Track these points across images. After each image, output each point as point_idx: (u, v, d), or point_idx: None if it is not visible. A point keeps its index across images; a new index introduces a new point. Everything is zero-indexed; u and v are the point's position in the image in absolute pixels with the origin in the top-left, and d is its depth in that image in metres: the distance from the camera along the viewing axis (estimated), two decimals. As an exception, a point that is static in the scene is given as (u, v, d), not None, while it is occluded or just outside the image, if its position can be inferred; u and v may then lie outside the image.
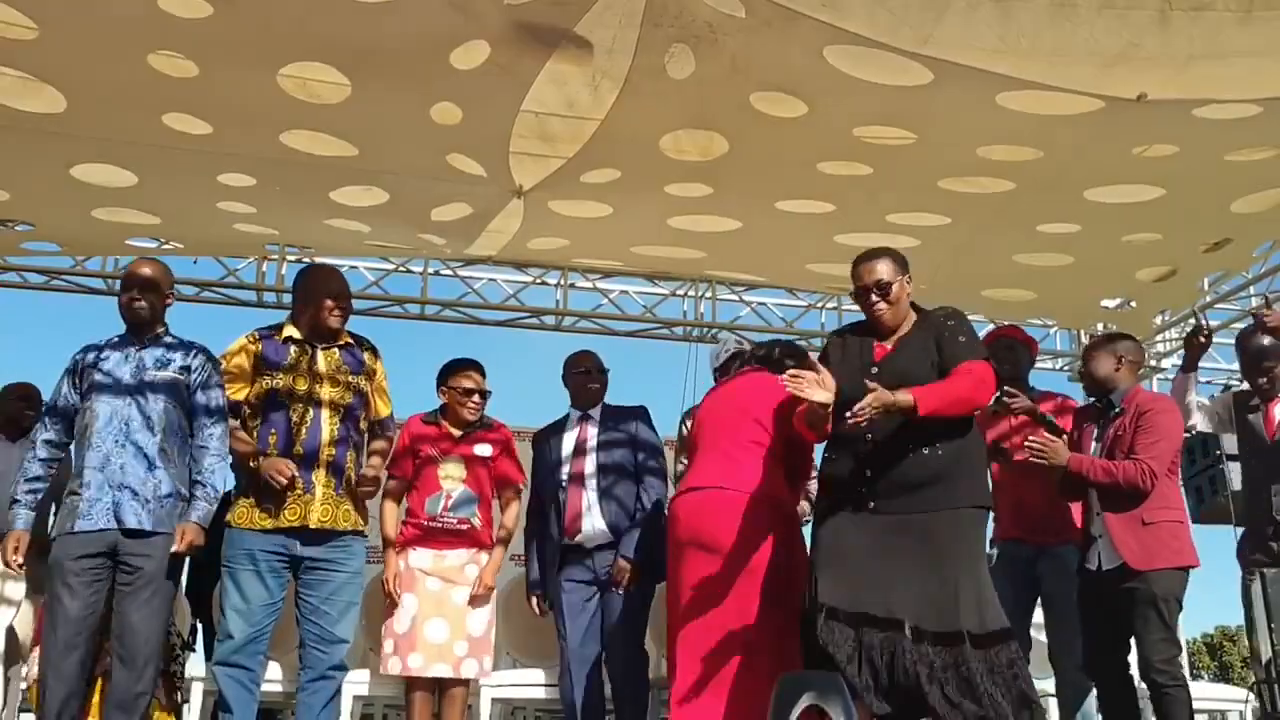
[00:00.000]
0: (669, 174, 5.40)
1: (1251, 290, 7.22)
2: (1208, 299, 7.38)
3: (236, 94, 4.69)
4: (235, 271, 7.41)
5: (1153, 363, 8.14)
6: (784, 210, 5.70)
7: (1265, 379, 4.88)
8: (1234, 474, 6.02)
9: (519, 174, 5.49)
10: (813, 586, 3.38)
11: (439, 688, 4.48)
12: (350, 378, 4.33)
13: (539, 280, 7.84)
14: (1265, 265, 6.90)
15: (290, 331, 4.34)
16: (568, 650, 4.62)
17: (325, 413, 4.23)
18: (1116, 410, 4.33)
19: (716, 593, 3.76)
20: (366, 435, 4.47)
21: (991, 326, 6.44)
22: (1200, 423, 5.04)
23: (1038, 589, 4.72)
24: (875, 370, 3.46)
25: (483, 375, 4.71)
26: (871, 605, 3.29)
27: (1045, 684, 4.91)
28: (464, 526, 4.55)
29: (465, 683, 4.52)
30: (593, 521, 4.66)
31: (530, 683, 4.88)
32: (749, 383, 4.15)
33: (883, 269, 3.57)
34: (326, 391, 4.25)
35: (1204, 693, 5.63)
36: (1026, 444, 4.20)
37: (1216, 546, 5.50)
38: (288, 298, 6.95)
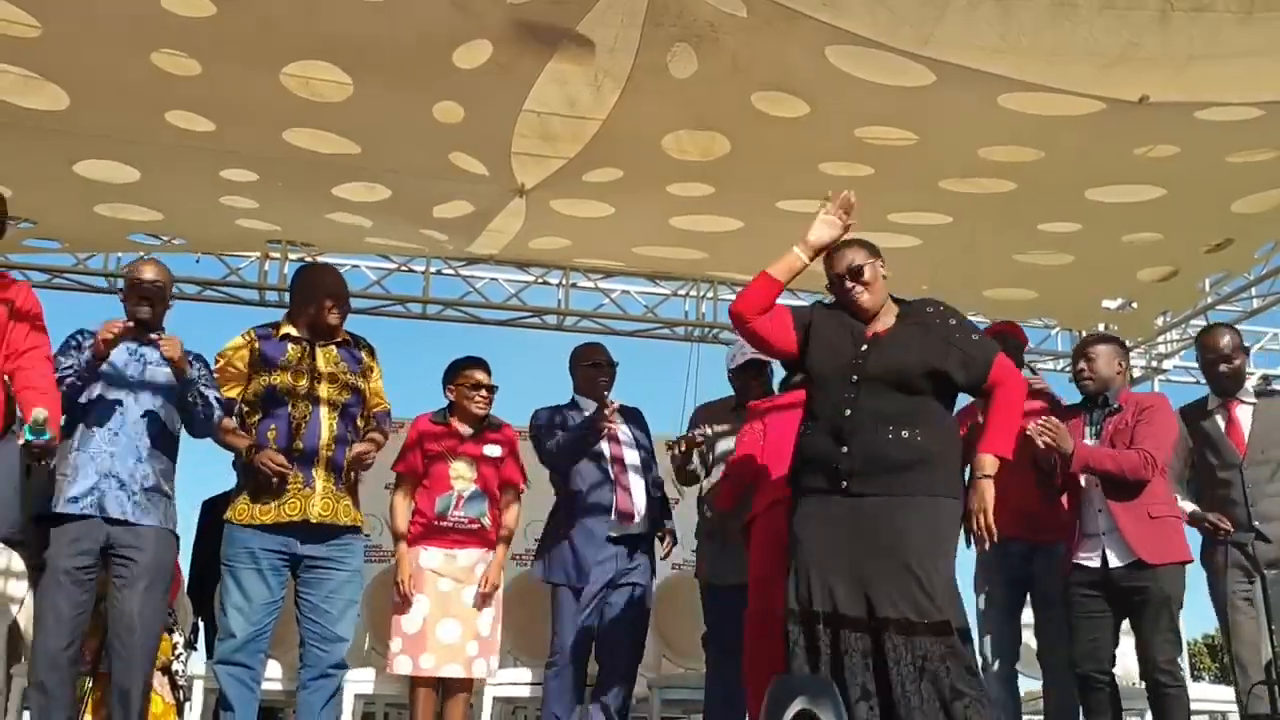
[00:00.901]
0: (671, 174, 5.41)
1: (1253, 291, 7.23)
2: (1209, 300, 7.38)
3: (239, 92, 4.70)
4: (237, 270, 7.41)
5: (1154, 364, 8.15)
6: (785, 210, 5.71)
7: (1226, 366, 4.63)
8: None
9: (521, 173, 5.50)
10: (794, 587, 3.33)
11: (442, 687, 4.49)
12: (349, 376, 4.34)
13: (540, 280, 7.84)
14: (1266, 266, 6.90)
15: (288, 329, 4.35)
16: (567, 643, 4.62)
17: (324, 410, 4.23)
18: (1115, 408, 4.33)
19: None
20: (363, 432, 4.47)
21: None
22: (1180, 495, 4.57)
23: (1028, 587, 4.70)
24: (865, 350, 3.43)
25: (488, 373, 4.73)
26: (848, 605, 3.23)
27: (1034, 684, 4.92)
28: (475, 526, 4.56)
29: (470, 682, 4.53)
30: (640, 512, 4.73)
31: (531, 682, 4.89)
32: None
33: (855, 255, 3.55)
34: (325, 390, 4.25)
35: (1204, 693, 5.64)
36: (1039, 424, 4.13)
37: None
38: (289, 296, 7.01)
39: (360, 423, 4.40)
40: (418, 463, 4.62)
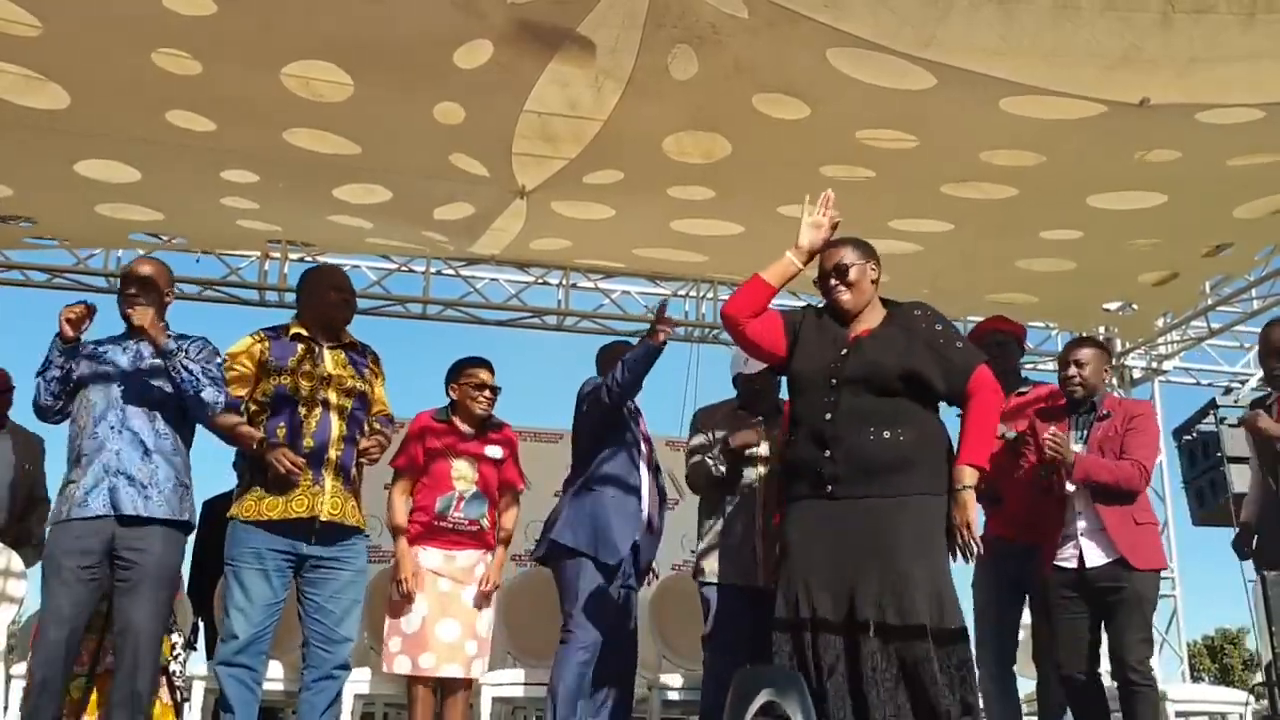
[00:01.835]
0: (672, 176, 5.40)
1: (1254, 293, 7.23)
2: (1209, 302, 7.38)
3: (240, 92, 4.70)
4: (237, 270, 7.42)
5: (1154, 364, 8.15)
6: (786, 215, 5.70)
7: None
8: (1235, 476, 6.01)
9: (521, 174, 5.50)
10: (782, 597, 3.31)
11: (441, 687, 4.48)
12: (355, 380, 4.33)
13: (541, 280, 7.85)
14: (1266, 269, 6.91)
15: (297, 329, 4.34)
16: (583, 639, 4.50)
17: (332, 411, 4.23)
18: (1103, 414, 4.36)
19: None
20: (369, 433, 4.46)
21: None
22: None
23: (1023, 588, 4.70)
24: (845, 353, 3.42)
25: (493, 374, 4.72)
26: (834, 613, 3.21)
27: (1029, 685, 4.92)
28: (474, 528, 4.55)
29: (469, 682, 4.53)
30: (656, 525, 4.71)
31: (531, 682, 4.89)
32: None
33: (844, 254, 3.53)
34: (333, 391, 4.24)
35: (1204, 695, 5.65)
36: (1049, 437, 4.21)
37: (1217, 548, 5.49)
38: (290, 296, 7.00)
39: (366, 427, 4.40)
40: (419, 456, 4.60)
